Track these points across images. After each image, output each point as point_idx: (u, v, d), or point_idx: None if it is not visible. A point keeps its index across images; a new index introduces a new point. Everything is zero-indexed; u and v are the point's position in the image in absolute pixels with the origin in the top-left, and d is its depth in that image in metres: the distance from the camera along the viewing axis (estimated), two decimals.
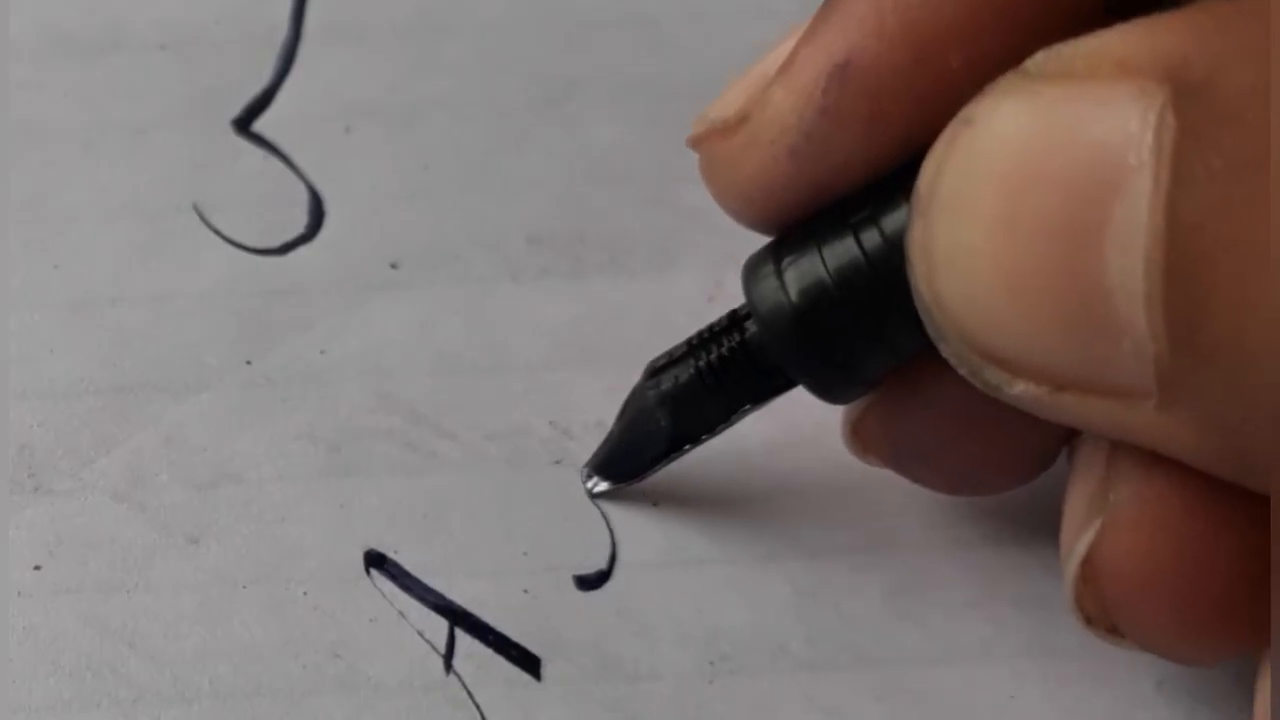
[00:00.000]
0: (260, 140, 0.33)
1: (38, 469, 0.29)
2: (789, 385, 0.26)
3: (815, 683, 0.28)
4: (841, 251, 0.24)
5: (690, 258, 0.32)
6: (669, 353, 0.27)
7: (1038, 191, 0.22)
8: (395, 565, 0.28)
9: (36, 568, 0.28)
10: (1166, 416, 0.22)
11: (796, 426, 0.29)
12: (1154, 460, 0.24)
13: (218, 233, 0.32)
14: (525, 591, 0.28)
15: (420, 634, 0.28)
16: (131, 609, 0.28)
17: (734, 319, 0.27)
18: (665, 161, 0.33)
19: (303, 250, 0.32)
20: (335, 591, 0.28)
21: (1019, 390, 0.23)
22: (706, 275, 0.30)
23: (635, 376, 0.29)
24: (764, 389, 0.27)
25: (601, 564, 0.29)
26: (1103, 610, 0.25)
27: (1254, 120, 0.20)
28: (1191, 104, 0.21)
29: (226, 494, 0.29)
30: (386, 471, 0.29)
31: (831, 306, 0.25)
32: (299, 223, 0.32)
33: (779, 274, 0.25)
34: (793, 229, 0.25)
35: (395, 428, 0.30)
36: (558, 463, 0.30)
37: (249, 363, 0.30)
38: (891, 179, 0.24)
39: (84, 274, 0.31)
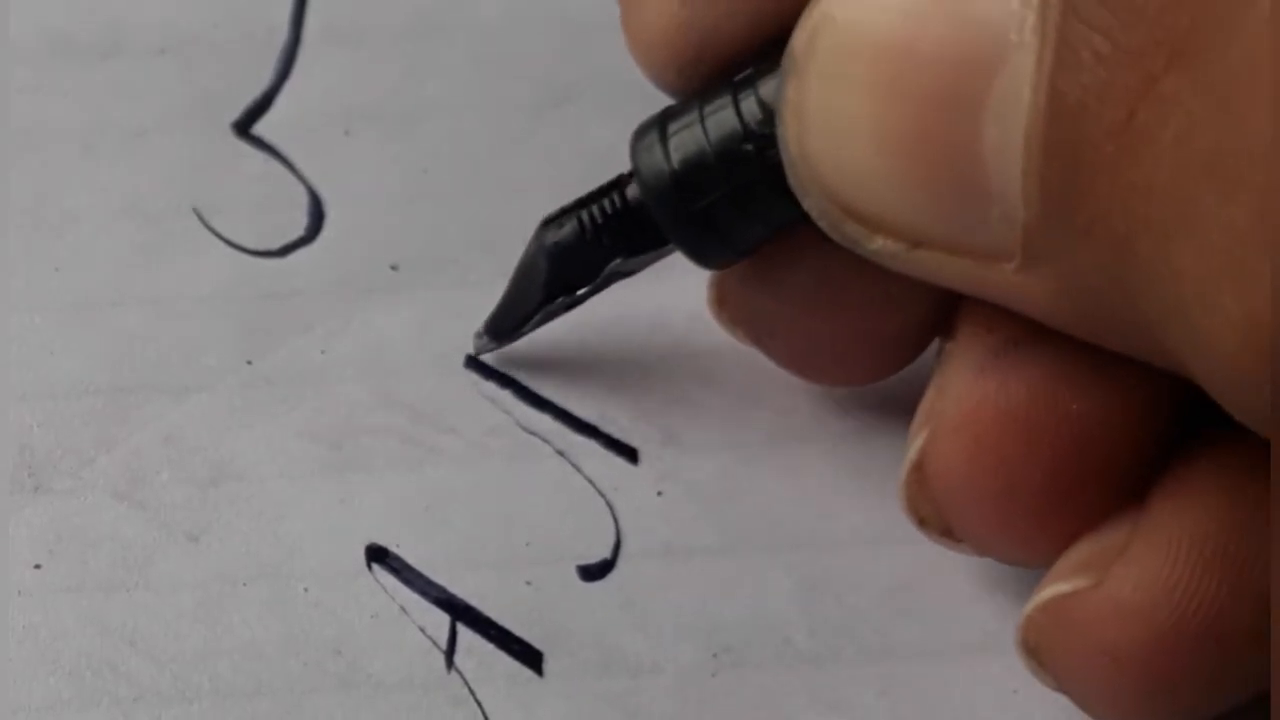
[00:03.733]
0: (260, 143, 0.33)
1: (38, 469, 0.29)
2: (662, 243, 0.27)
3: (818, 676, 0.27)
4: (722, 120, 0.26)
5: (689, 261, 0.32)
6: (560, 209, 0.28)
7: (918, 61, 0.23)
8: (397, 559, 0.28)
9: (37, 566, 0.28)
10: (1024, 277, 0.23)
11: (801, 419, 0.30)
12: (976, 372, 0.25)
13: (218, 235, 0.32)
14: (528, 584, 0.28)
15: (422, 630, 0.28)
16: (132, 607, 0.28)
17: (619, 181, 0.28)
18: None
19: (303, 252, 0.32)
20: (336, 588, 0.28)
21: (877, 245, 0.24)
22: (705, 278, 0.30)
23: (635, 380, 0.29)
24: (639, 245, 0.28)
25: (605, 553, 0.29)
26: (935, 512, 0.27)
27: (1140, 5, 0.21)
28: None
29: (227, 492, 0.29)
30: (387, 466, 0.29)
31: (709, 174, 0.26)
32: (299, 225, 0.32)
33: (663, 141, 0.26)
34: (681, 99, 0.27)
35: (396, 424, 0.30)
36: (560, 453, 0.29)
37: (249, 363, 0.30)
38: (772, 45, 0.25)
39: (84, 276, 0.31)
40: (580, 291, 0.29)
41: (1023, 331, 0.25)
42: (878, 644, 0.28)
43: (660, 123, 0.27)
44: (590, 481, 0.29)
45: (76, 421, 0.30)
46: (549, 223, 0.29)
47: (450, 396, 0.30)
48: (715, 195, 0.26)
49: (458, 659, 0.28)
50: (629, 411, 0.30)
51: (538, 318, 0.29)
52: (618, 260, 0.28)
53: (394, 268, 0.32)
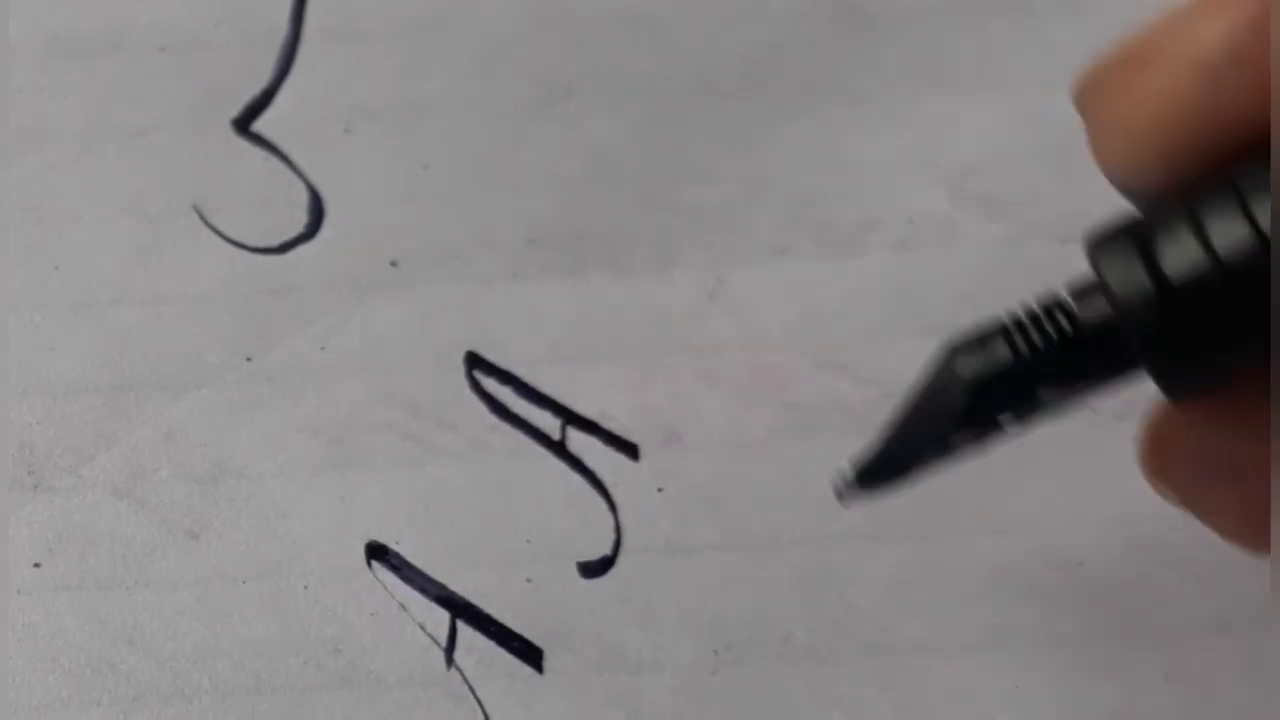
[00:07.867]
0: (260, 140, 0.33)
1: (38, 466, 0.29)
2: (1124, 371, 0.23)
3: (819, 672, 0.27)
4: (1226, 227, 0.21)
5: (690, 256, 0.32)
6: (970, 333, 0.24)
7: None
8: (397, 556, 0.28)
9: (36, 565, 0.28)
10: None
11: (801, 415, 0.29)
12: None
13: (218, 232, 0.32)
14: (528, 581, 0.28)
15: (422, 627, 0.28)
16: (131, 605, 0.28)
17: (1058, 301, 0.23)
18: (665, 160, 0.33)
19: (303, 249, 0.32)
20: (336, 585, 0.28)
21: None
22: (706, 273, 0.30)
23: (635, 375, 0.29)
24: (1095, 373, 0.23)
25: (606, 550, 0.28)
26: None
27: None
28: None
29: (227, 489, 0.29)
30: (388, 463, 0.29)
31: (1207, 293, 0.22)
32: (299, 222, 0.32)
33: (1143, 253, 0.22)
34: (1161, 201, 0.22)
35: (396, 420, 0.30)
36: (560, 446, 0.29)
37: (249, 360, 0.30)
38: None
39: (85, 274, 0.31)
40: (1006, 429, 0.24)
41: None
42: (879, 640, 0.28)
43: (1132, 232, 0.22)
44: (591, 477, 0.29)
45: (76, 419, 0.30)
46: (958, 349, 0.23)
47: (450, 392, 0.30)
48: (1209, 315, 0.22)
49: (458, 656, 0.27)
50: (629, 408, 0.30)
51: (938, 461, 0.24)
52: (1051, 390, 0.23)
53: (394, 264, 0.32)
